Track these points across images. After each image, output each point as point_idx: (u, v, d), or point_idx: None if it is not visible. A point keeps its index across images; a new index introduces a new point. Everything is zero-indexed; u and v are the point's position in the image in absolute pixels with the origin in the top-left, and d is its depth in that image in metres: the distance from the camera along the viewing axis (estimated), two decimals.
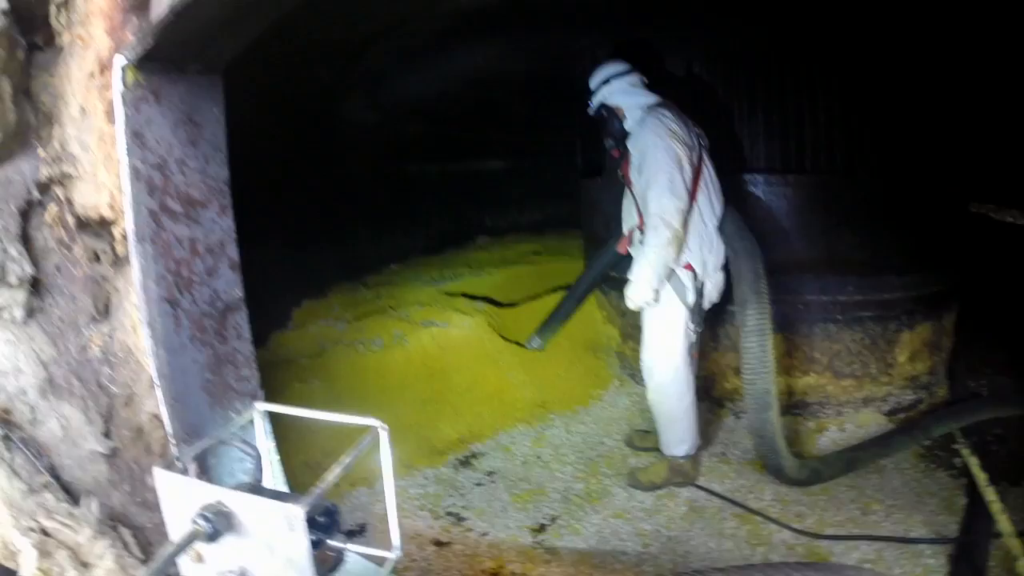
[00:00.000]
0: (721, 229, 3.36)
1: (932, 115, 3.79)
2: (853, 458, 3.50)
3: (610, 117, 3.50)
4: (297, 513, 1.16)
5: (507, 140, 7.03)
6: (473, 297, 5.14)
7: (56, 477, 1.97)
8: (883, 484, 3.37)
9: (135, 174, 1.50)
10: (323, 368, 4.11)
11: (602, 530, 3.22)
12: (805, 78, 3.78)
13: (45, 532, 1.83)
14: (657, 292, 3.26)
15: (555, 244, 6.67)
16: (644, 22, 4.16)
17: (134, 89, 1.51)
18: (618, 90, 3.45)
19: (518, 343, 4.76)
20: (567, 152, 6.63)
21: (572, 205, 5.77)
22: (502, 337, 4.74)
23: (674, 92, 3.50)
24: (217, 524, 1.23)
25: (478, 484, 3.59)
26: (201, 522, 1.23)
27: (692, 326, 3.36)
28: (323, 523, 1.29)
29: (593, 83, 3.54)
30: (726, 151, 4.01)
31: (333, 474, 1.26)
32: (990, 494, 3.03)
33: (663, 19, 4.04)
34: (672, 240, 3.11)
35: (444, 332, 4.55)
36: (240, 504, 1.24)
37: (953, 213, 4.02)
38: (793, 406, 3.97)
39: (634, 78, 3.47)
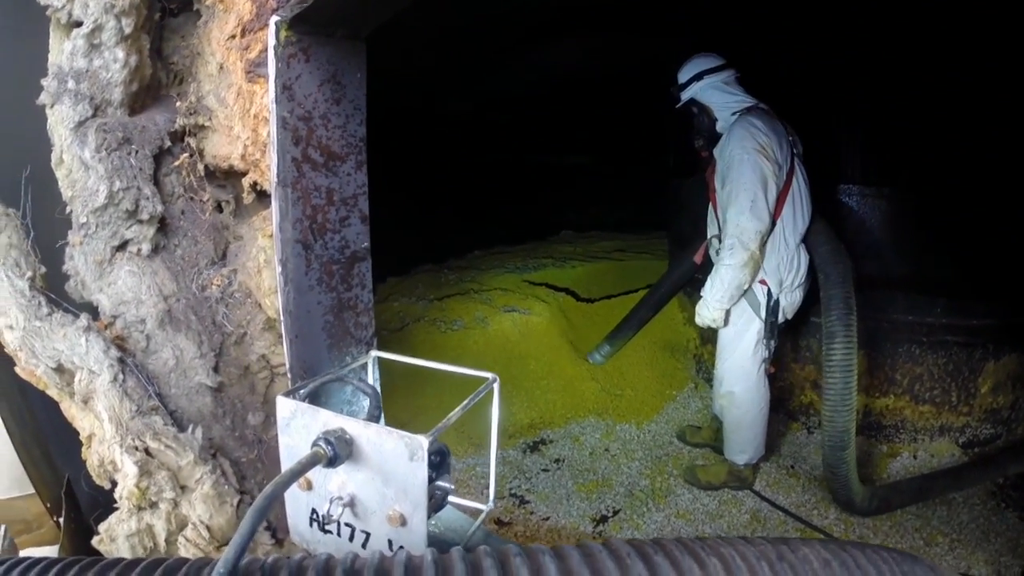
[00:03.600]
0: (809, 245, 3.24)
1: None
2: (924, 488, 3.44)
3: (700, 114, 3.31)
4: (421, 443, 1.23)
5: (596, 137, 7.07)
6: (555, 288, 5.19)
7: (163, 404, 2.10)
8: (950, 517, 3.33)
9: (282, 123, 1.60)
10: (403, 342, 4.23)
11: (663, 528, 3.25)
12: (908, 92, 3.69)
13: (148, 452, 1.95)
14: (727, 313, 3.22)
15: (639, 243, 6.65)
16: (748, 32, 4.09)
17: (286, 46, 1.61)
18: (710, 87, 3.24)
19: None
20: (654, 152, 6.61)
21: (657, 205, 5.75)
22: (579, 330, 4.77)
23: (771, 93, 3.32)
24: (338, 449, 1.31)
25: (544, 470, 3.65)
26: (323, 445, 1.30)
27: (766, 340, 3.28)
28: (435, 462, 1.35)
29: (683, 76, 3.32)
30: (822, 158, 3.96)
31: (454, 414, 1.33)
32: None
33: (768, 32, 3.99)
34: (748, 262, 3.04)
35: (525, 319, 4.63)
36: (362, 432, 1.32)
37: None
38: (867, 427, 3.91)
39: (728, 75, 3.25)
